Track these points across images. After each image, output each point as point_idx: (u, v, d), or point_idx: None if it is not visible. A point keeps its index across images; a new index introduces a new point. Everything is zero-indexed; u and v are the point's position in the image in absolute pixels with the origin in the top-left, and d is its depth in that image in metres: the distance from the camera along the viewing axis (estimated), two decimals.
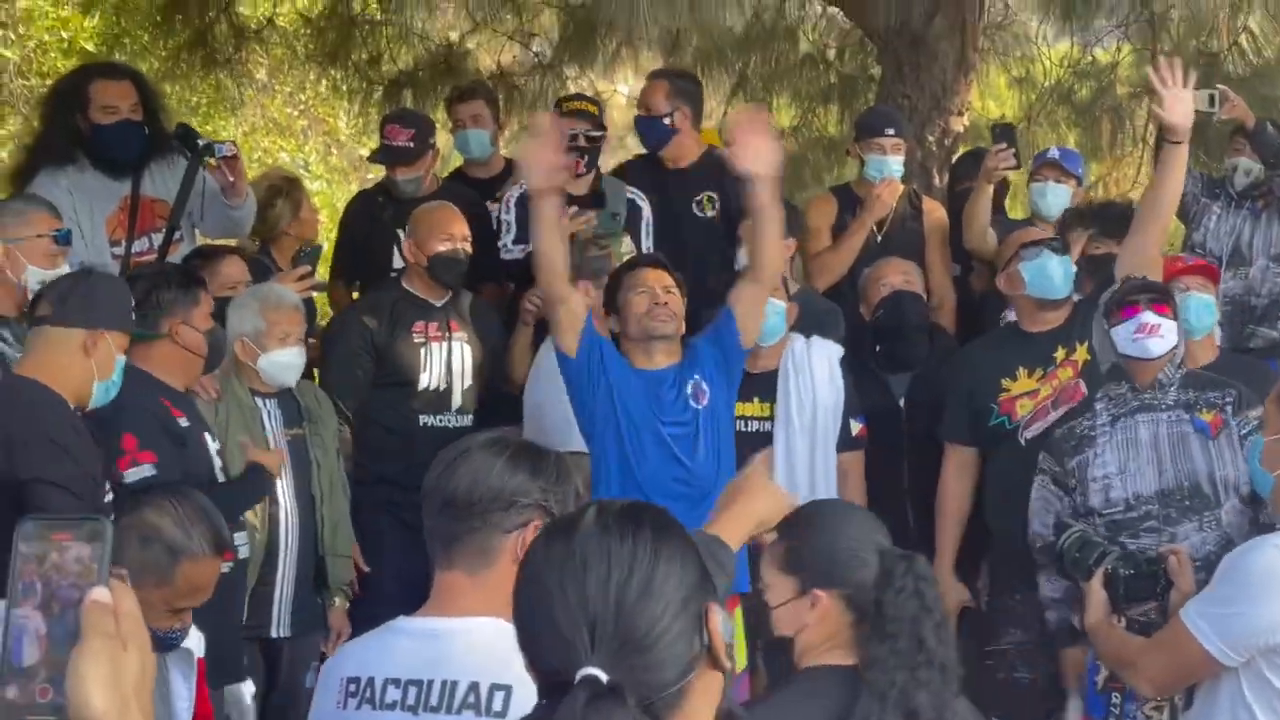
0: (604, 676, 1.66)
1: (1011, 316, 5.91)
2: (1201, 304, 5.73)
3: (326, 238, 8.82)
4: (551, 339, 5.32)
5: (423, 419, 6.00)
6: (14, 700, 1.34)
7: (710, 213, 6.72)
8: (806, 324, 5.97)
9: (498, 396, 6.17)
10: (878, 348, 6.13)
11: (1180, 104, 5.16)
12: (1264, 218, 6.72)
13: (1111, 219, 6.28)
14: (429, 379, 6.03)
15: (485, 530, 2.50)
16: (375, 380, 6.01)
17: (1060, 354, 5.58)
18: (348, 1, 9.81)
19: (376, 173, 7.26)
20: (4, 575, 1.39)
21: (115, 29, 11.48)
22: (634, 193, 6.67)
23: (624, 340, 5.33)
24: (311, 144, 16.08)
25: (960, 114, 8.09)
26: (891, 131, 6.71)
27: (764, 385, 5.78)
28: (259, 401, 5.35)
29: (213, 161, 6.04)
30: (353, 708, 2.52)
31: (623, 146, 10.59)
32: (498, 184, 6.97)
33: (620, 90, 12.86)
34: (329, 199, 14.53)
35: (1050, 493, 5.03)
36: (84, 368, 4.27)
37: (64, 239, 5.12)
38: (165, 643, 3.39)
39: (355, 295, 6.89)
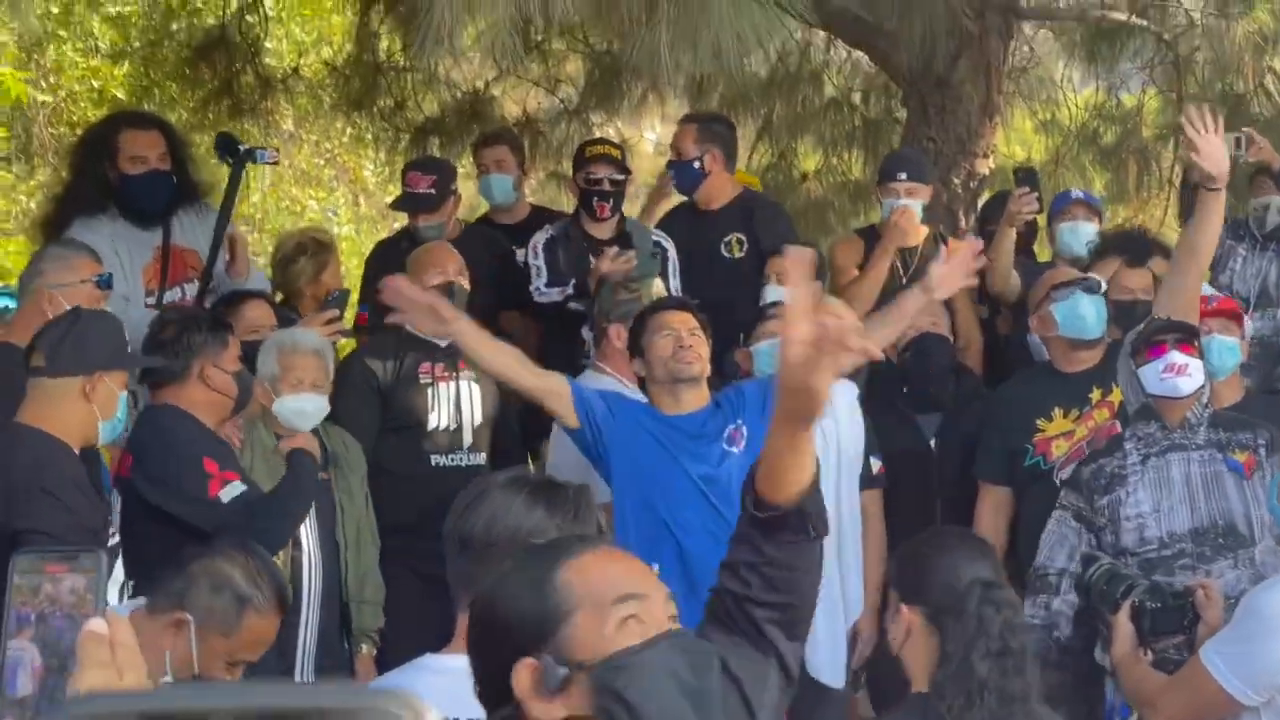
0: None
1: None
2: (1224, 346, 5.70)
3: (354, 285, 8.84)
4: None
5: (435, 459, 5.95)
6: None
7: (738, 254, 6.74)
8: None
9: (509, 434, 6.17)
10: (904, 389, 6.12)
11: (1215, 151, 5.16)
12: None
13: (1140, 246, 6.29)
14: (439, 419, 5.98)
15: None
16: (385, 425, 5.95)
17: (1096, 394, 5.58)
18: (373, 49, 9.86)
19: (404, 220, 7.28)
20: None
21: (144, 80, 11.57)
22: (659, 235, 6.68)
23: (650, 384, 5.29)
24: (340, 192, 16.15)
25: (986, 156, 8.10)
26: (904, 176, 6.70)
27: None
28: None
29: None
30: None
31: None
32: (523, 229, 6.99)
33: (648, 137, 12.90)
34: (357, 246, 14.57)
35: (1070, 529, 5.01)
36: (86, 411, 4.32)
37: (106, 284, 5.16)
38: None
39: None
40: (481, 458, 6.02)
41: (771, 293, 6.09)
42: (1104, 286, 5.84)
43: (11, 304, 5.31)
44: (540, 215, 7.31)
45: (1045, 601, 5.00)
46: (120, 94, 12.42)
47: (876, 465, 5.87)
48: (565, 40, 10.06)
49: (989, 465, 5.79)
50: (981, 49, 7.93)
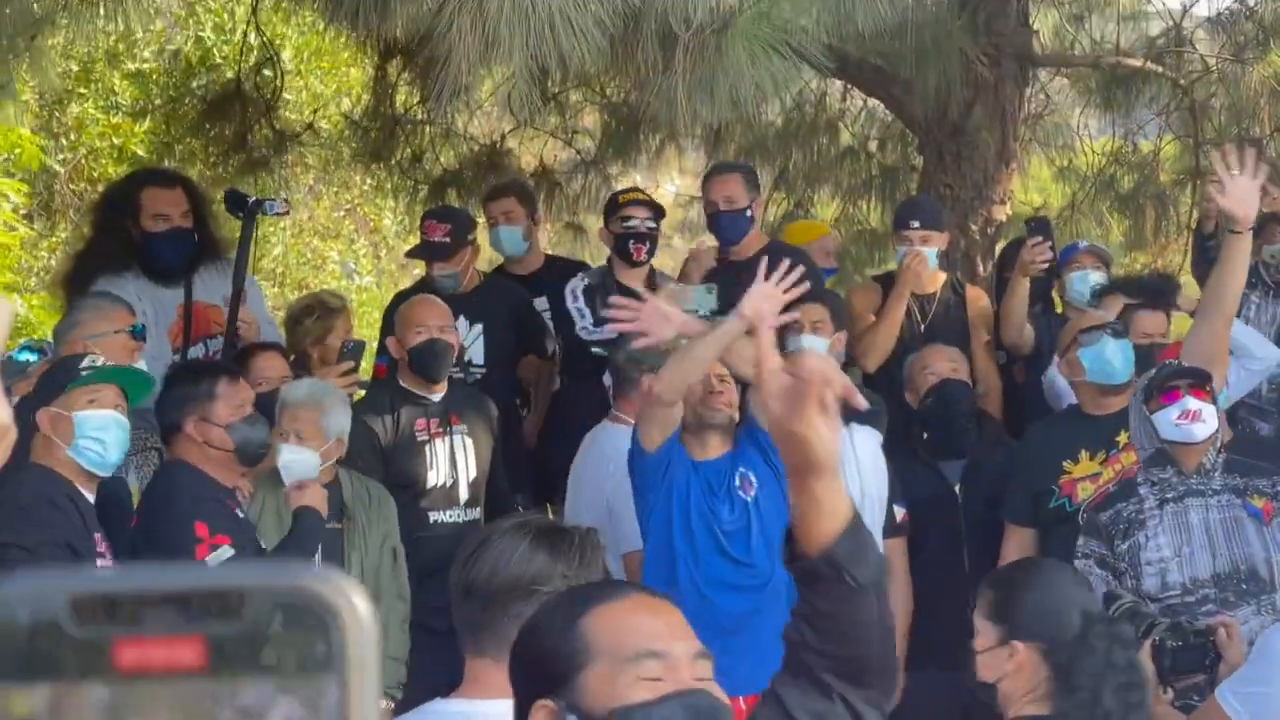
0: None
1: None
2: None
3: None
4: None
5: (433, 516, 5.97)
6: None
7: None
8: (849, 413, 5.94)
9: (500, 489, 6.19)
10: (925, 435, 6.11)
11: (1245, 193, 5.12)
12: None
13: (1153, 290, 6.29)
14: (436, 476, 5.99)
15: (507, 620, 2.46)
16: (384, 483, 5.89)
17: (1123, 438, 5.57)
18: (390, 101, 9.91)
19: (425, 270, 7.31)
20: None
21: (165, 136, 11.64)
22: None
23: (680, 431, 5.31)
24: (359, 244, 16.21)
25: (1003, 203, 8.10)
26: (917, 224, 6.69)
27: None
28: None
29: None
30: None
31: (669, 245, 10.63)
32: (536, 279, 7.01)
33: (667, 189, 12.93)
34: (377, 298, 14.63)
35: (1097, 576, 4.99)
36: (57, 448, 4.49)
37: (140, 334, 5.22)
38: None
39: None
40: (476, 513, 6.03)
41: (801, 341, 6.04)
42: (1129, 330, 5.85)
43: (34, 358, 5.35)
44: (555, 265, 7.31)
45: None
46: (141, 151, 12.51)
47: (900, 513, 5.86)
48: (582, 92, 10.11)
49: (1015, 506, 5.81)
50: (997, 96, 7.95)
